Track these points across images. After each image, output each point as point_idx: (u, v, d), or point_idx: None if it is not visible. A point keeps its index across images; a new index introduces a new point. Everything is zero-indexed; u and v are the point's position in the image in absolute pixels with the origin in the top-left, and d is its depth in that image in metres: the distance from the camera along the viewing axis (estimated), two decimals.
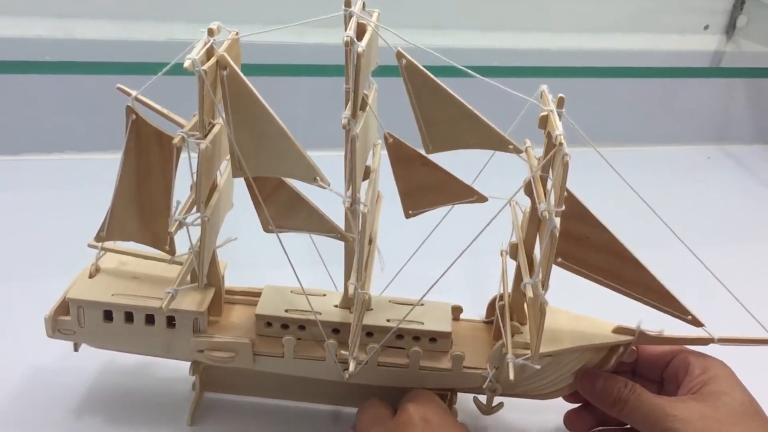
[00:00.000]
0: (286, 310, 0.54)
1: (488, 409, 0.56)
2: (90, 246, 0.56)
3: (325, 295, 0.56)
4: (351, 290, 0.52)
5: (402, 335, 0.54)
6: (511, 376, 0.48)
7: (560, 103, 0.47)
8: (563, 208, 0.44)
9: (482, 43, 1.05)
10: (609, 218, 0.68)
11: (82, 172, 0.93)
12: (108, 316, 0.54)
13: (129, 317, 0.54)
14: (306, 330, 0.55)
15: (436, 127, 0.47)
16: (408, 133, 0.48)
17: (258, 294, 0.57)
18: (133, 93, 0.48)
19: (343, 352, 0.53)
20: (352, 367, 0.52)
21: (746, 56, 1.21)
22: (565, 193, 0.45)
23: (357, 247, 0.49)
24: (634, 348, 0.52)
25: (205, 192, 0.48)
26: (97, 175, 0.92)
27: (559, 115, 0.47)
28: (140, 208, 0.53)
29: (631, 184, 0.95)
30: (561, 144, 0.44)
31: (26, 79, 0.92)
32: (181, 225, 0.48)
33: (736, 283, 0.72)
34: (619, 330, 0.52)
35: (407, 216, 0.51)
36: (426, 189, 0.50)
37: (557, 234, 0.43)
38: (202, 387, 0.59)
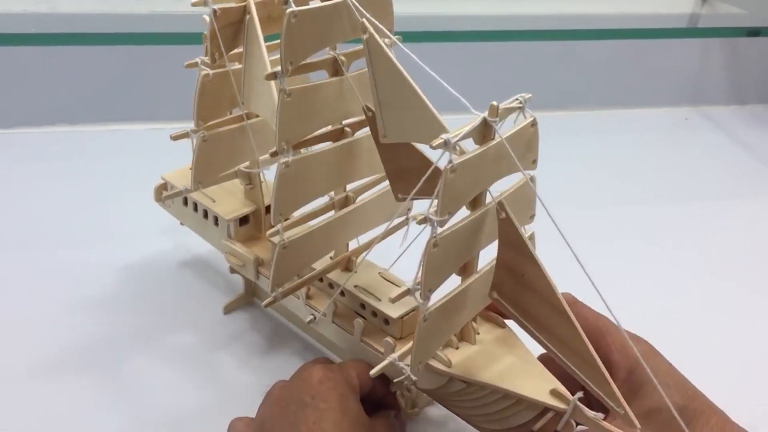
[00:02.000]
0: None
1: (404, 409, 0.56)
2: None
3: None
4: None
5: (364, 306, 0.55)
6: (394, 379, 0.49)
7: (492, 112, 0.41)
8: (446, 217, 0.40)
9: (455, 10, 1.05)
10: (588, 181, 0.70)
11: (73, 144, 0.95)
12: (185, 201, 0.68)
13: (195, 207, 0.66)
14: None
15: (391, 112, 0.43)
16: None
17: None
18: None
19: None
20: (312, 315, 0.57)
21: (721, 18, 1.22)
22: (503, 215, 0.41)
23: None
24: (573, 422, 0.43)
25: (203, 113, 0.58)
26: (87, 146, 0.94)
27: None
28: None
29: (610, 146, 0.99)
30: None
31: (12, 51, 0.93)
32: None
33: (714, 240, 0.74)
34: (555, 393, 0.44)
35: (397, 200, 0.48)
36: (414, 174, 0.44)
37: (431, 243, 0.40)
38: (246, 287, 0.69)
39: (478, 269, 0.46)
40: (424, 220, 0.40)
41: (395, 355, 0.48)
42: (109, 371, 0.61)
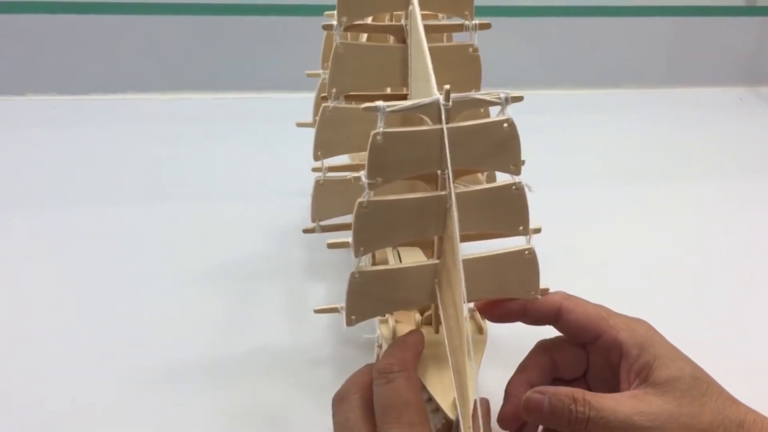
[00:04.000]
0: None
1: None
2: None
3: None
4: None
5: None
6: None
7: None
8: (374, 180, 0.42)
9: None
10: (637, 157, 0.72)
11: (143, 110, 1.03)
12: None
13: None
14: None
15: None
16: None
17: None
18: None
19: None
20: None
21: None
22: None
23: None
24: None
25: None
26: (156, 113, 1.02)
27: None
28: None
29: (662, 125, 0.99)
30: None
31: (87, 19, 1.00)
32: None
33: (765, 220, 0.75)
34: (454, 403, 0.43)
35: None
36: None
37: (361, 204, 0.42)
38: None
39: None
40: (358, 179, 0.42)
41: (342, 305, 0.47)
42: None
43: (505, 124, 0.41)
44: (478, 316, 0.51)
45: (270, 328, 0.64)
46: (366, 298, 0.48)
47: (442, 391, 0.45)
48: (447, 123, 0.41)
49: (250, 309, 0.66)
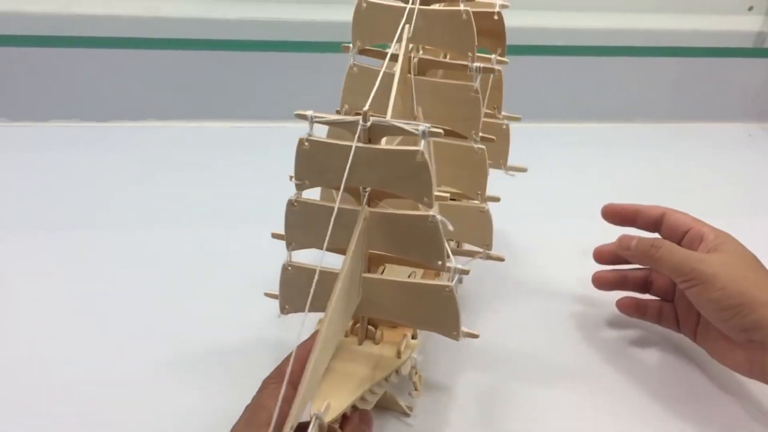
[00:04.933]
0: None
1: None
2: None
3: None
4: None
5: None
6: None
7: None
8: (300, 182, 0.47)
9: (523, 22, 1.02)
10: (646, 192, 0.74)
11: (163, 137, 1.02)
12: None
13: None
14: None
15: None
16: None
17: None
18: None
19: None
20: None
21: None
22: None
23: None
24: None
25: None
26: (176, 140, 1.01)
27: None
28: None
29: (672, 159, 0.99)
30: None
31: (115, 53, 1.01)
32: None
33: None
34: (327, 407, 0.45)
35: None
36: None
37: (290, 200, 0.45)
38: None
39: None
40: (290, 178, 0.46)
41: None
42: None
43: (418, 156, 0.43)
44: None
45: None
46: (296, 290, 0.52)
47: (321, 399, 0.46)
48: (366, 143, 0.44)
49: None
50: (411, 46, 0.55)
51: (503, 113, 0.66)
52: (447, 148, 0.57)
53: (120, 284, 0.72)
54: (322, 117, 0.44)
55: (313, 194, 0.50)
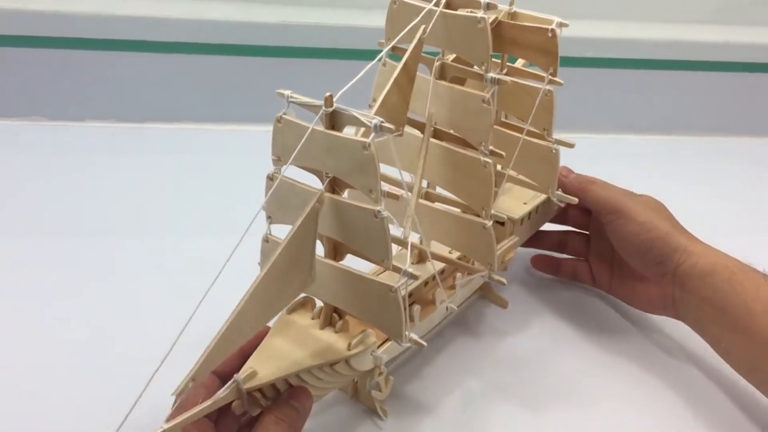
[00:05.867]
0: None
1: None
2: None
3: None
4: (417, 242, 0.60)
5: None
6: None
7: None
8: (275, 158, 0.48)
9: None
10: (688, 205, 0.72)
11: (198, 140, 1.01)
12: None
13: None
14: (412, 295, 0.59)
15: None
16: None
17: None
18: None
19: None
20: (503, 280, 0.60)
21: None
22: None
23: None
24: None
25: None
26: (210, 143, 0.99)
27: None
28: None
29: (712, 172, 1.04)
30: None
31: (155, 57, 1.00)
32: None
33: None
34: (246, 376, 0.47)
35: None
36: None
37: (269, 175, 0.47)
38: None
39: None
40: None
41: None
42: None
43: (365, 149, 0.43)
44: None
45: None
46: None
47: (250, 367, 0.48)
48: (330, 128, 0.45)
49: None
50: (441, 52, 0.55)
51: (555, 137, 0.63)
52: (454, 154, 0.55)
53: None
54: (297, 98, 0.46)
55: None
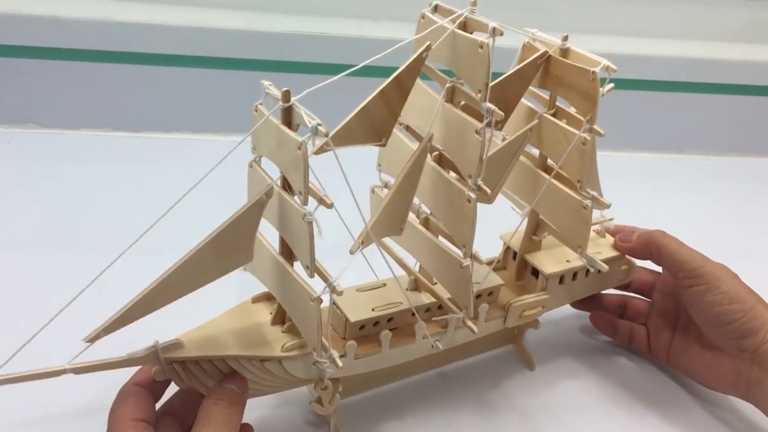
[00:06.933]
0: (373, 309, 0.55)
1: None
2: None
3: (385, 284, 0.58)
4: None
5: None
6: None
7: None
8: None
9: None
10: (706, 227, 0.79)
11: (196, 149, 0.96)
12: None
13: None
14: (392, 320, 0.56)
15: None
16: None
17: None
18: None
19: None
20: (474, 328, 0.55)
21: None
22: None
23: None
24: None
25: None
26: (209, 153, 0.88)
27: None
28: None
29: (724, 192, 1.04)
30: None
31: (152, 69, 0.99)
32: None
33: None
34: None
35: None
36: None
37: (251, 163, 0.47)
38: None
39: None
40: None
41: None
42: None
43: (298, 148, 0.42)
44: None
45: None
46: None
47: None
48: (286, 125, 0.45)
49: None
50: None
51: (592, 193, 0.57)
52: (445, 182, 0.52)
53: None
54: (270, 90, 0.46)
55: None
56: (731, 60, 1.08)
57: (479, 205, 0.51)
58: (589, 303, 0.69)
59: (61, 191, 0.85)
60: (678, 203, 0.97)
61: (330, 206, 0.44)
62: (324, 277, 0.46)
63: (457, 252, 0.53)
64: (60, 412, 0.58)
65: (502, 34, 0.46)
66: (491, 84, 0.53)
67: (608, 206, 0.57)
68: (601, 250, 0.65)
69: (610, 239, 0.67)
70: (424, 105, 0.53)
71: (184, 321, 0.51)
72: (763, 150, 1.13)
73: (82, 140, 0.98)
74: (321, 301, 0.46)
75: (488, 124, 0.48)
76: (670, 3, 1.10)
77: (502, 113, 0.47)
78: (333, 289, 0.46)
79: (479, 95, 0.48)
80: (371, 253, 0.50)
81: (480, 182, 0.50)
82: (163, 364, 0.48)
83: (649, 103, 1.08)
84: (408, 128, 0.56)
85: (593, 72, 0.52)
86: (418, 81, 0.53)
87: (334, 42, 0.99)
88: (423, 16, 0.52)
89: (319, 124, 0.42)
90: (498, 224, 0.63)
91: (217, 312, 0.53)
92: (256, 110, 0.47)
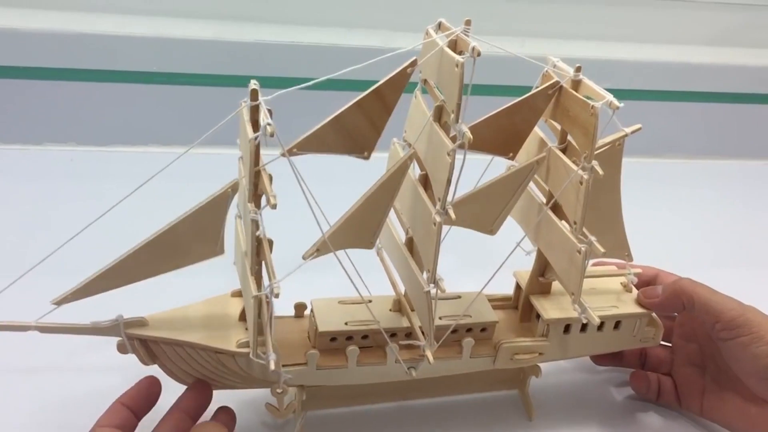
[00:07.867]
0: (347, 323, 0.55)
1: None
2: None
3: (371, 301, 0.55)
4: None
5: (456, 330, 0.56)
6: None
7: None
8: None
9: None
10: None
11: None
12: None
13: None
14: (368, 338, 0.55)
15: None
16: None
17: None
18: None
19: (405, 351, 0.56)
20: (430, 357, 0.53)
21: None
22: None
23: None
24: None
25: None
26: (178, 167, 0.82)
27: None
28: None
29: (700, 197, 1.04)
30: None
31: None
32: None
33: None
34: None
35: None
36: None
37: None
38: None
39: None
40: None
41: None
42: None
43: (254, 140, 0.44)
44: None
45: None
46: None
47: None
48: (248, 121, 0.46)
49: None
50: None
51: (590, 237, 0.52)
52: (419, 199, 0.50)
53: None
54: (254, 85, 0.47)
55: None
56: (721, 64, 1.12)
57: (501, 239, 0.50)
58: (607, 355, 0.64)
59: (23, 210, 0.83)
60: (662, 209, 0.98)
61: (276, 206, 0.44)
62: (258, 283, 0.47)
63: (423, 277, 0.51)
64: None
65: (479, 55, 0.44)
66: (498, 111, 0.52)
67: (602, 253, 0.53)
68: (621, 305, 0.60)
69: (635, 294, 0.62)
70: (419, 122, 0.52)
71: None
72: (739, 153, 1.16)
73: (46, 156, 0.96)
74: (258, 300, 0.46)
75: (460, 146, 0.46)
76: (670, 4, 1.13)
77: (471, 136, 0.45)
78: (271, 291, 0.46)
79: (452, 116, 0.46)
80: (371, 267, 0.51)
81: (448, 206, 0.48)
82: (125, 339, 0.51)
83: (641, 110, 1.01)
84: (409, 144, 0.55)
85: (593, 106, 0.48)
86: (419, 98, 0.53)
87: (309, 52, 0.99)
88: (427, 33, 0.51)
89: (269, 124, 0.42)
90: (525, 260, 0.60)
91: None
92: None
